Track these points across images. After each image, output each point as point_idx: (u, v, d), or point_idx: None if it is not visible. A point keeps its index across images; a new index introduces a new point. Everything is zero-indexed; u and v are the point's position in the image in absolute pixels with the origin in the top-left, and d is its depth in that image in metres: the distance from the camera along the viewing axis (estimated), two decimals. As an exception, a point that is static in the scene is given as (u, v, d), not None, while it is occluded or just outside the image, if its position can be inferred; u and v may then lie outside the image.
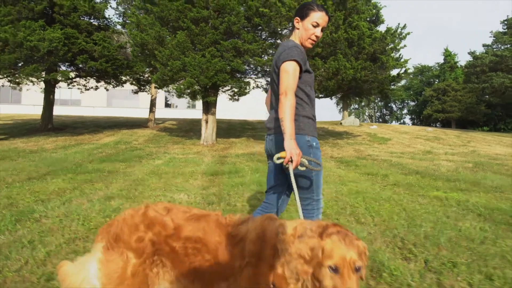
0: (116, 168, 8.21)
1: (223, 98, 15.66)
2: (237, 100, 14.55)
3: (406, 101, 56.70)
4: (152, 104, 20.52)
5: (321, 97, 14.31)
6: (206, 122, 14.48)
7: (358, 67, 12.45)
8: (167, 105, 41.45)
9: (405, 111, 58.41)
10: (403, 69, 14.81)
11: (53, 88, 18.11)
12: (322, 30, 2.43)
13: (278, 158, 2.23)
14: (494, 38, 25.73)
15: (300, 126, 2.39)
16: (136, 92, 19.20)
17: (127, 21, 14.84)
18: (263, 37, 13.38)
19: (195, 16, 12.06)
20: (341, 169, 9.31)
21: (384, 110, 62.24)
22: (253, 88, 15.87)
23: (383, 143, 17.16)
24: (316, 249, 1.38)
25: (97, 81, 19.13)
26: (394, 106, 59.97)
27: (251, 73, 15.08)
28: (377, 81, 14.47)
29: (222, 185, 6.47)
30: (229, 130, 20.30)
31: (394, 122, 60.57)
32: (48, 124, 18.08)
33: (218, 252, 1.52)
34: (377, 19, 14.21)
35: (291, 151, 2.14)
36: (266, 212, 2.56)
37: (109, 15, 16.40)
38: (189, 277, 1.52)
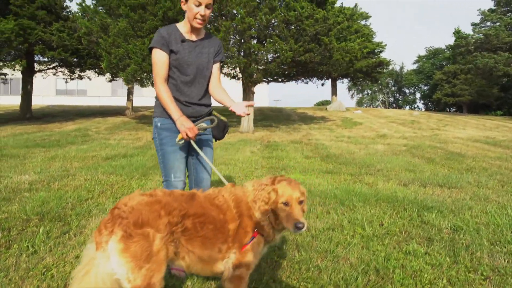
0: (23, 153, 8.54)
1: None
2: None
3: (418, 85, 54.77)
4: (129, 92, 20.91)
5: (267, 82, 14.15)
6: (160, 108, 14.66)
7: (299, 49, 12.21)
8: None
9: (418, 95, 56.53)
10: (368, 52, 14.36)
11: (30, 78, 18.78)
12: (208, 7, 2.43)
13: (179, 141, 2.42)
14: (482, 16, 24.13)
15: (157, 110, 2.55)
16: (110, 81, 19.62)
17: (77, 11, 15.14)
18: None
19: (133, 3, 12.16)
20: (255, 152, 9.26)
21: (397, 95, 60.47)
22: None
23: (348, 128, 16.82)
24: (271, 193, 1.98)
25: (81, 71, 19.79)
26: (407, 90, 58.13)
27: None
28: (335, 64, 14.16)
29: (89, 166, 6.64)
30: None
31: (407, 107, 58.90)
32: (26, 114, 18.84)
33: (216, 221, 1.90)
34: (323, 0, 13.69)
35: (183, 129, 2.35)
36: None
37: (67, 5, 16.77)
38: (200, 245, 1.87)
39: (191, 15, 2.44)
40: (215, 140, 2.73)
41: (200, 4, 2.40)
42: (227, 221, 1.94)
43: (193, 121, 2.51)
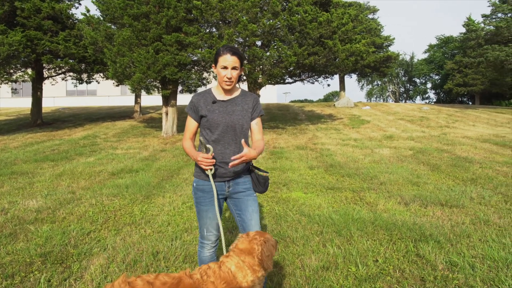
0: (32, 169, 8.74)
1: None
2: (195, 91, 14.68)
3: (429, 75, 53.91)
4: (137, 95, 21.07)
5: (272, 83, 14.18)
6: (166, 114, 14.78)
7: (303, 53, 12.15)
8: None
9: (429, 85, 55.69)
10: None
11: (40, 85, 19.05)
12: (234, 69, 2.54)
13: (209, 172, 2.54)
14: (493, 8, 23.44)
15: (195, 170, 2.69)
16: (117, 85, 19.81)
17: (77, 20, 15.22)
18: (207, 30, 13.32)
19: (136, 12, 12.22)
20: (260, 162, 9.28)
21: (408, 85, 59.66)
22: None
23: (355, 127, 16.72)
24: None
25: (88, 77, 20.02)
26: (417, 80, 57.29)
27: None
28: (341, 65, 14.07)
29: (94, 186, 6.79)
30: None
31: (418, 97, 58.13)
32: (37, 120, 19.17)
33: None
34: (328, 2, 13.55)
35: (198, 162, 2.48)
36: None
37: (72, 13, 16.93)
38: None
39: (220, 78, 2.56)
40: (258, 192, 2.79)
41: (226, 68, 2.51)
42: None
43: (229, 180, 2.64)
